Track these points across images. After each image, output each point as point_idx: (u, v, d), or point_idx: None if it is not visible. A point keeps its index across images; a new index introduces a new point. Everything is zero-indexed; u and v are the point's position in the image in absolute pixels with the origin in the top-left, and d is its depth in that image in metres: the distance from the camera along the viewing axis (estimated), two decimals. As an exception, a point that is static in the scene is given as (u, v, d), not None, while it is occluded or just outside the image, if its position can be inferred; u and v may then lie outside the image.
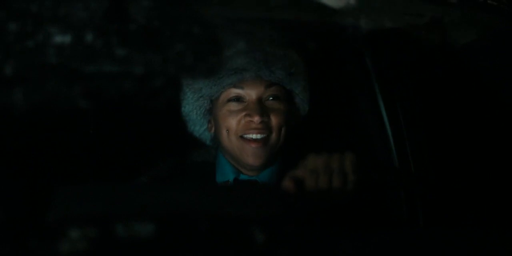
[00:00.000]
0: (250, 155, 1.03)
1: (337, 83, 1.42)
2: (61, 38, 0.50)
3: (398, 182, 1.23)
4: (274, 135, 1.04)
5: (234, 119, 1.04)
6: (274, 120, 1.04)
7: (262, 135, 1.03)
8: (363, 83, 1.32)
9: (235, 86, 1.04)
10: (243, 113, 1.03)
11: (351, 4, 0.88)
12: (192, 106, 1.10)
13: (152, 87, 0.57)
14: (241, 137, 1.04)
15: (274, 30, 1.01)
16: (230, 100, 1.05)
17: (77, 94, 0.53)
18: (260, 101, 1.04)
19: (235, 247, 0.50)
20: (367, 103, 1.32)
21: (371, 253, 0.65)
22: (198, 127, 1.13)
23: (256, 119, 1.01)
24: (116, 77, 0.53)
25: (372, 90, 1.30)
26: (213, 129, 1.11)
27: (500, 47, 1.06)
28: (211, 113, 1.10)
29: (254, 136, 1.03)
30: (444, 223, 1.16)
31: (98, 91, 0.53)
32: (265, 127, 1.03)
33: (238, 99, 1.05)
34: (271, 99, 1.05)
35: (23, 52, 0.49)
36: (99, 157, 1.33)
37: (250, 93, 1.04)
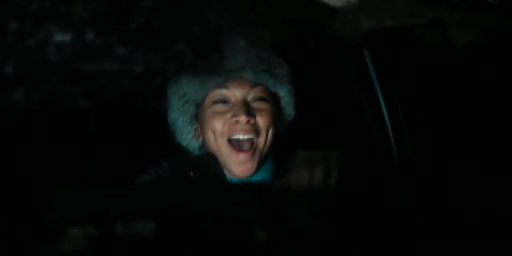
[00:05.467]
0: (238, 166, 1.01)
1: (337, 82, 1.42)
2: (62, 38, 0.50)
3: (398, 182, 1.23)
4: (261, 138, 1.02)
5: (220, 120, 1.02)
6: (260, 121, 1.02)
7: (249, 136, 1.01)
8: (363, 82, 1.32)
9: (219, 86, 1.03)
10: (229, 114, 1.01)
11: (351, 4, 0.88)
12: (177, 113, 1.09)
13: (152, 86, 0.57)
14: (229, 140, 1.02)
15: (259, 32, 1.01)
16: (215, 102, 1.04)
17: (77, 93, 0.53)
18: (245, 101, 1.02)
19: (235, 247, 0.50)
20: (367, 102, 1.32)
21: (371, 253, 0.65)
22: (185, 135, 1.11)
23: (243, 118, 0.99)
24: (116, 77, 0.53)
25: (373, 90, 1.30)
26: (200, 137, 1.10)
27: (500, 47, 1.06)
28: (197, 119, 1.09)
29: (241, 136, 1.01)
30: (444, 223, 1.16)
31: (98, 91, 0.53)
32: (252, 128, 1.01)
33: (223, 100, 1.03)
34: (257, 100, 1.04)
35: (23, 52, 0.49)
36: (100, 157, 1.33)
37: (235, 93, 1.03)
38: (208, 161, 1.11)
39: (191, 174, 1.10)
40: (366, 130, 1.33)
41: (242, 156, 1.01)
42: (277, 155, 1.09)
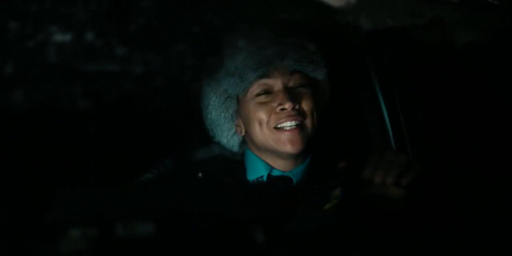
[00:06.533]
0: (287, 143, 1.03)
1: (337, 82, 1.42)
2: (61, 38, 0.50)
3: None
4: (308, 121, 1.05)
5: (265, 110, 1.04)
6: (305, 106, 1.05)
7: (296, 122, 1.03)
8: (363, 83, 1.32)
9: (261, 77, 1.04)
10: (275, 103, 1.03)
11: (351, 4, 0.89)
12: (219, 110, 1.10)
13: (152, 87, 0.57)
14: (275, 128, 1.04)
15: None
16: (258, 94, 1.05)
17: (77, 93, 0.53)
18: (287, 88, 1.05)
19: (235, 247, 0.50)
20: (367, 102, 1.32)
21: (371, 253, 0.65)
22: (227, 132, 1.12)
23: (288, 105, 1.01)
24: (116, 77, 0.53)
25: (373, 90, 1.30)
26: (242, 131, 1.11)
27: (500, 47, 1.06)
28: (238, 114, 1.10)
29: (288, 123, 1.03)
30: (444, 223, 1.16)
31: (98, 91, 0.53)
32: (298, 113, 1.03)
33: (265, 91, 1.05)
34: (298, 87, 1.06)
35: (23, 52, 0.49)
36: (100, 157, 1.33)
37: (277, 82, 1.05)
38: (216, 163, 1.12)
39: (200, 175, 1.10)
40: (366, 130, 1.33)
41: (289, 133, 1.03)
42: (316, 156, 1.10)
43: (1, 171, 1.09)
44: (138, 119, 1.27)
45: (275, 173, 1.07)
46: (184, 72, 0.64)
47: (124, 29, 0.52)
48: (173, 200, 0.54)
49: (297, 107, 1.03)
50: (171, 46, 0.55)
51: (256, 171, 1.09)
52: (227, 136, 1.12)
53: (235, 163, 1.12)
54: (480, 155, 1.25)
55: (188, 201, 0.54)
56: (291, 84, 1.05)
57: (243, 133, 1.11)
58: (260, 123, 1.05)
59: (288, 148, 1.03)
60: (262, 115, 1.04)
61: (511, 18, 1.00)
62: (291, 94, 1.04)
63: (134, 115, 1.25)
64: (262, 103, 1.05)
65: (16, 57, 0.49)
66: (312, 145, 1.09)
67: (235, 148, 1.14)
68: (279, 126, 1.04)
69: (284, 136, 1.03)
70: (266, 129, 1.04)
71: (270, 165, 1.08)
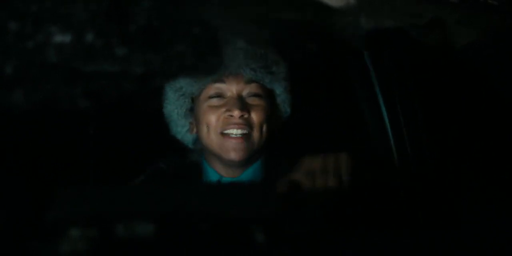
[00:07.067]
0: (231, 150, 1.01)
1: (337, 83, 1.42)
2: (61, 38, 0.50)
3: (398, 182, 1.23)
4: (255, 132, 1.03)
5: (214, 114, 1.03)
6: (254, 116, 1.03)
7: (242, 131, 1.02)
8: (363, 83, 1.32)
9: (216, 81, 1.04)
10: (224, 109, 1.03)
11: (351, 4, 0.89)
12: (173, 106, 1.10)
13: (152, 87, 0.57)
14: (221, 133, 1.03)
15: (257, 30, 1.01)
16: (211, 96, 1.05)
17: (77, 94, 0.53)
18: (240, 97, 1.04)
19: (235, 247, 0.50)
20: (367, 103, 1.32)
21: (371, 253, 0.65)
22: (180, 128, 1.12)
23: (236, 113, 1.01)
24: (116, 77, 0.53)
25: (372, 90, 1.30)
26: (194, 130, 1.10)
27: (500, 47, 1.06)
28: (192, 113, 1.10)
29: (234, 131, 1.02)
30: (444, 223, 1.16)
31: (98, 91, 0.53)
32: (245, 122, 1.02)
33: (218, 95, 1.04)
34: (252, 96, 1.05)
35: (23, 52, 0.49)
36: (100, 157, 1.33)
37: (231, 88, 1.04)
38: (196, 166, 1.12)
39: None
40: (366, 131, 1.33)
41: (234, 141, 1.01)
42: (267, 158, 1.09)
43: (1, 171, 1.09)
44: (138, 119, 1.28)
45: (224, 180, 1.06)
46: (184, 72, 0.64)
47: (124, 29, 0.52)
48: (173, 200, 0.54)
49: (245, 116, 1.02)
50: (171, 46, 0.55)
51: (208, 179, 1.08)
52: (181, 132, 1.13)
53: (195, 168, 1.12)
54: (480, 155, 1.25)
55: (187, 201, 0.54)
56: (245, 92, 1.04)
57: (195, 132, 1.11)
58: (208, 126, 1.04)
59: (231, 155, 1.02)
60: (211, 118, 1.04)
61: (511, 18, 1.00)
62: (242, 102, 1.02)
63: (134, 115, 1.25)
64: (213, 107, 1.04)
65: (16, 57, 0.49)
66: (261, 152, 1.08)
67: (190, 145, 1.14)
68: (225, 132, 1.03)
69: (228, 143, 1.02)
70: (212, 133, 1.03)
71: (219, 173, 1.07)
